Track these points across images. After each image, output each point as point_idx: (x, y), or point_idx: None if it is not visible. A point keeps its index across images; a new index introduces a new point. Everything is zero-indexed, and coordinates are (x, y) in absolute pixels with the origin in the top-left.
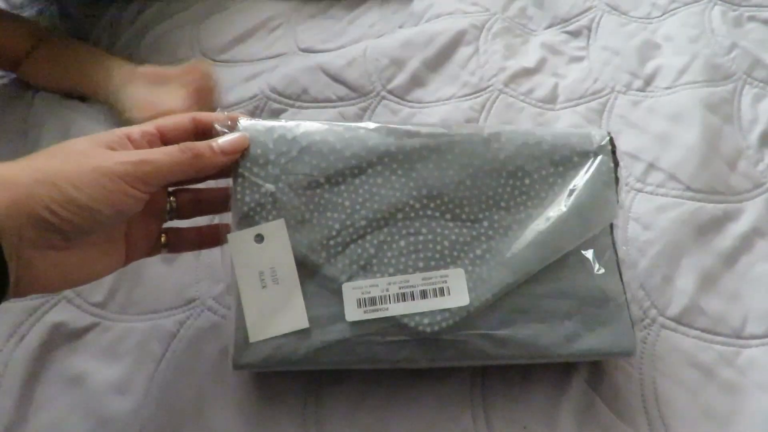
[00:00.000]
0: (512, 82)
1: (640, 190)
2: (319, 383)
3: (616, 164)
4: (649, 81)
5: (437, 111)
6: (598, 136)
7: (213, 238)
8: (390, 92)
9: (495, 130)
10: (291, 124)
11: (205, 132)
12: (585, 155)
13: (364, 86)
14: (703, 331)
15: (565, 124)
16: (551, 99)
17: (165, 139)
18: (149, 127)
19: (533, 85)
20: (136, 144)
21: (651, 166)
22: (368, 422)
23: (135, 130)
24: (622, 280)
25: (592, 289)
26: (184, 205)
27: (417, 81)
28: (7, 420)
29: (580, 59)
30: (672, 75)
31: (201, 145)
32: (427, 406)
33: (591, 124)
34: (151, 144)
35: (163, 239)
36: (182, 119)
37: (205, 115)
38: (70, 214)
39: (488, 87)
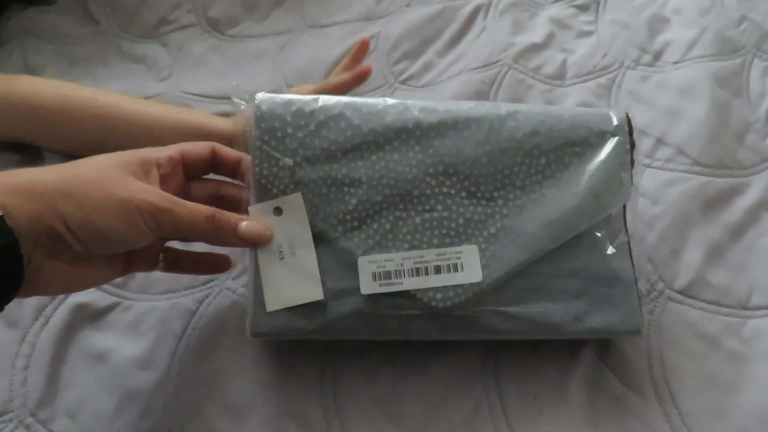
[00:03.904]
0: (521, 58)
1: (648, 166)
2: (336, 358)
3: (633, 146)
4: (658, 56)
5: (449, 86)
6: (615, 116)
7: (208, 265)
8: (402, 83)
9: (513, 108)
10: (308, 98)
11: (220, 162)
12: (602, 136)
13: (375, 80)
14: (709, 302)
15: (574, 100)
16: (560, 75)
17: (186, 164)
18: (174, 152)
19: (542, 61)
20: (162, 169)
21: (659, 142)
22: (383, 394)
23: (163, 156)
24: (632, 261)
25: (603, 269)
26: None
27: (428, 67)
28: (38, 395)
29: (588, 34)
30: (681, 49)
31: (225, 221)
32: (441, 378)
33: (600, 100)
34: (174, 170)
35: (161, 257)
36: (203, 148)
37: (223, 149)
38: (85, 236)
39: (498, 61)
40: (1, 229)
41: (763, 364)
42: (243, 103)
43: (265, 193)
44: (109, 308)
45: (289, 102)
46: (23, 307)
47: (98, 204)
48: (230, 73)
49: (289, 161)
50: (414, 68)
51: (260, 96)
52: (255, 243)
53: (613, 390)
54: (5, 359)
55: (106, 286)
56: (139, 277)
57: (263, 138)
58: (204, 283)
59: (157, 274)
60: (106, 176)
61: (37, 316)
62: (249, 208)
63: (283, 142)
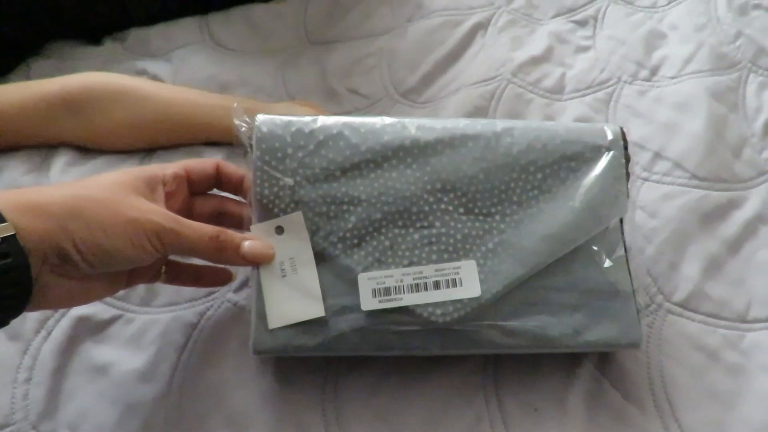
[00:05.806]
0: (520, 71)
1: (646, 179)
2: (337, 371)
3: (628, 160)
4: (655, 71)
5: (449, 102)
6: (610, 131)
7: (209, 278)
8: (403, 96)
9: (508, 125)
10: (308, 118)
11: (224, 179)
12: (597, 150)
13: (376, 93)
14: (708, 315)
15: (572, 114)
16: (558, 89)
17: (190, 180)
18: (179, 169)
19: (541, 74)
20: (168, 187)
21: (657, 155)
22: (385, 407)
23: (168, 174)
24: (630, 274)
25: (601, 282)
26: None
27: (428, 82)
28: (39, 409)
29: (586, 49)
30: (678, 64)
31: (228, 241)
32: (442, 391)
33: (598, 115)
34: (179, 187)
35: (163, 269)
36: (208, 165)
37: (228, 166)
38: (92, 256)
39: (496, 76)
40: (13, 248)
41: (762, 376)
42: (244, 125)
43: (266, 213)
44: (111, 321)
45: (288, 123)
46: (25, 319)
47: (106, 224)
48: (231, 88)
49: (289, 181)
50: (415, 83)
51: (260, 117)
52: (257, 263)
53: (612, 403)
54: (7, 372)
55: (107, 299)
56: (141, 289)
57: (264, 159)
58: (205, 296)
59: (159, 287)
60: (114, 196)
61: (39, 328)
62: (251, 228)
63: (284, 163)
